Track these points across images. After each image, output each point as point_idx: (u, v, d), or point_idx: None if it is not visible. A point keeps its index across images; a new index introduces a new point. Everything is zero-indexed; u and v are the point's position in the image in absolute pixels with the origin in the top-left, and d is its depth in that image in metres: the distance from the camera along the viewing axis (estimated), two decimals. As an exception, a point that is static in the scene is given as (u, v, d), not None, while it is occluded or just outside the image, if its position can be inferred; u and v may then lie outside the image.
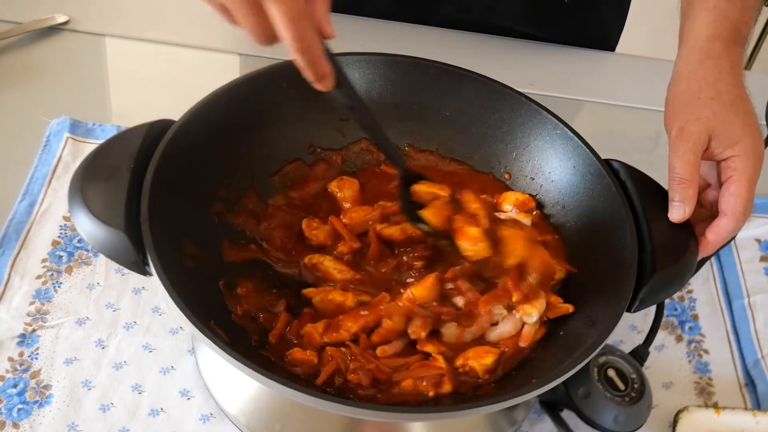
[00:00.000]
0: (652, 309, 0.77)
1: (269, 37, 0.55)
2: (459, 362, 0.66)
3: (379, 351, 0.65)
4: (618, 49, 1.17)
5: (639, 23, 1.23)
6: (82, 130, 0.92)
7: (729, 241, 0.80)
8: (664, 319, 0.81)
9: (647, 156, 1.00)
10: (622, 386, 0.69)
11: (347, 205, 0.77)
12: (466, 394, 0.64)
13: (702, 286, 0.87)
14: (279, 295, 0.70)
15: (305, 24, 0.55)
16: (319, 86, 0.60)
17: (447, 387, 0.63)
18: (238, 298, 0.68)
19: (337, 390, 0.63)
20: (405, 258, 0.72)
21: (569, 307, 0.68)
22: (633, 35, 1.22)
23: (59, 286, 0.78)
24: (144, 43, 1.06)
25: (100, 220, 0.59)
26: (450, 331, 0.67)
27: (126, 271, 0.69)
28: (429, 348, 0.66)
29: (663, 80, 0.72)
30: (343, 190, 0.78)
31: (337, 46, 0.82)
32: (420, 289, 0.68)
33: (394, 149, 0.72)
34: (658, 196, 0.69)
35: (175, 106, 0.70)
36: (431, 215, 0.70)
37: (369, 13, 1.11)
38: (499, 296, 0.67)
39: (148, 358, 0.75)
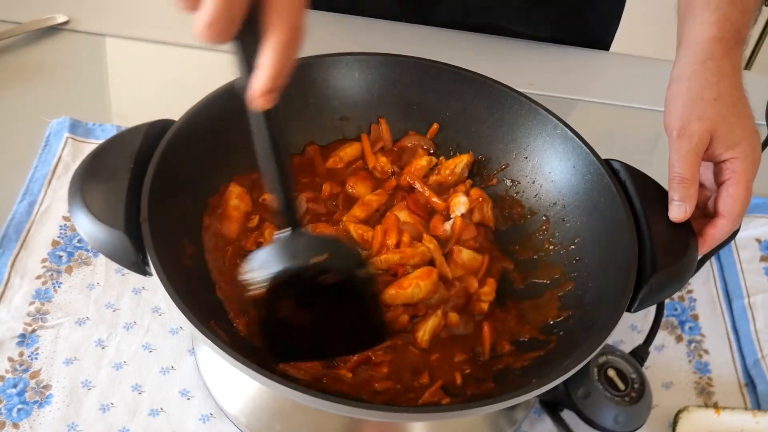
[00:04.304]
0: (652, 309, 0.77)
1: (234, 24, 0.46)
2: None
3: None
4: (618, 49, 1.17)
5: (641, 23, 1.23)
6: (82, 130, 0.92)
7: (728, 241, 0.80)
8: (664, 319, 0.81)
9: (647, 156, 0.99)
10: (622, 386, 0.69)
11: None
12: (465, 391, 0.64)
13: (702, 286, 0.87)
14: None
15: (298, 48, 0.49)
16: (264, 99, 0.50)
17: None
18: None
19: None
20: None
21: None
22: (634, 35, 1.22)
23: (59, 286, 0.78)
24: (144, 43, 1.06)
25: (100, 221, 0.59)
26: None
27: (126, 271, 0.68)
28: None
29: (664, 80, 0.72)
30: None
31: (337, 46, 0.83)
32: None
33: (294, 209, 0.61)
34: (658, 196, 0.69)
35: (175, 106, 0.70)
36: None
37: (369, 14, 1.11)
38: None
39: (148, 358, 0.75)
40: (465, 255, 0.74)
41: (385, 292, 0.70)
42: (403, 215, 0.76)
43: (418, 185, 0.79)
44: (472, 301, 0.72)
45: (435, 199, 0.78)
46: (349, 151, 0.81)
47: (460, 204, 0.77)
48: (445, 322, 0.70)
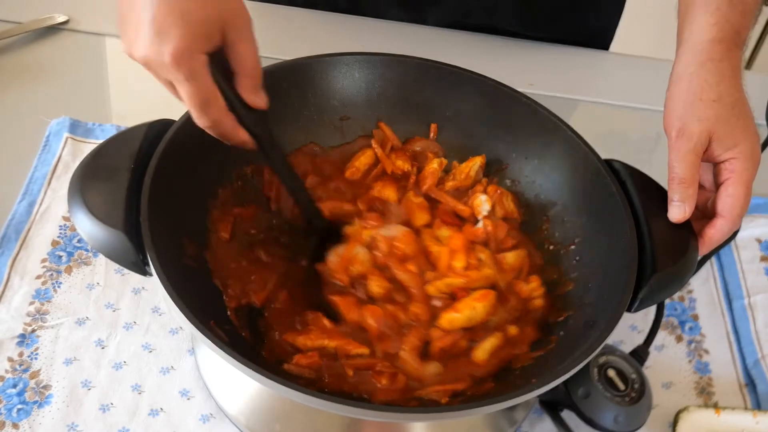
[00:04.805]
0: (652, 309, 0.77)
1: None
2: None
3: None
4: (618, 49, 1.17)
5: (641, 23, 1.23)
6: (82, 130, 0.92)
7: (728, 242, 0.80)
8: (664, 319, 0.81)
9: (647, 156, 0.99)
10: (622, 386, 0.69)
11: None
12: (466, 392, 0.64)
13: (702, 286, 0.87)
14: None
15: (210, 107, 0.60)
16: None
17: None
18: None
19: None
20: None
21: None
22: (634, 35, 1.22)
23: (59, 286, 0.78)
24: (144, 43, 1.06)
25: (100, 220, 0.59)
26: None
27: (126, 271, 0.68)
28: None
29: (664, 80, 0.72)
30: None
31: (337, 46, 0.83)
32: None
33: (313, 206, 0.74)
34: (658, 196, 0.68)
35: (175, 106, 0.70)
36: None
37: (369, 14, 1.11)
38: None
39: (147, 358, 0.75)
40: (509, 258, 0.73)
41: (442, 317, 0.68)
42: (443, 232, 0.75)
43: (439, 197, 0.79)
44: (527, 305, 0.71)
45: (459, 207, 0.78)
46: (363, 160, 0.81)
47: (482, 203, 0.77)
48: (505, 341, 0.68)
